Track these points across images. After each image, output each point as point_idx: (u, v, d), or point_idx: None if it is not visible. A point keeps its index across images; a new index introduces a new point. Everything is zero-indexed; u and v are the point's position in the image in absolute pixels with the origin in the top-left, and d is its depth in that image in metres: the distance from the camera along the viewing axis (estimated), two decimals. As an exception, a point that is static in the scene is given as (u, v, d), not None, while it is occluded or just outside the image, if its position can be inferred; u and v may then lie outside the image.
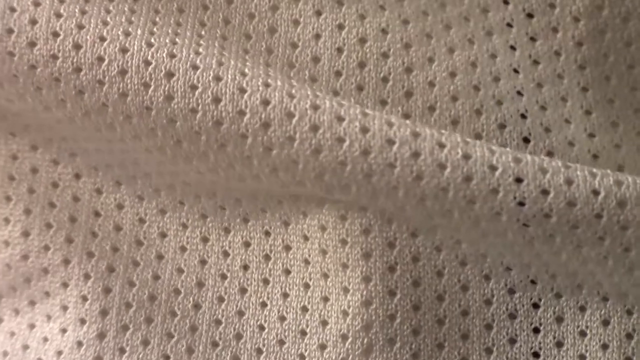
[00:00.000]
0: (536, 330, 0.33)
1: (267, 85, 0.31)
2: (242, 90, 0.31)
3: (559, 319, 0.33)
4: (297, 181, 0.32)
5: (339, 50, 0.34)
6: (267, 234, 0.35)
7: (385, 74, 0.34)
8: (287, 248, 0.34)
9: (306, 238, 0.34)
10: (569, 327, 0.33)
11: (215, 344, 0.35)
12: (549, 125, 0.33)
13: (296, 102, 0.31)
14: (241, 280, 0.35)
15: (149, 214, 0.36)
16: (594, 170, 0.30)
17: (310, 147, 0.30)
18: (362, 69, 0.34)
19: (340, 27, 0.34)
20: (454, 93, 0.34)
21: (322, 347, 0.33)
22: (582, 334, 0.33)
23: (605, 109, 0.33)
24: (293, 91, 0.31)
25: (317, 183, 0.31)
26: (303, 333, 0.34)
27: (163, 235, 0.36)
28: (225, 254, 0.35)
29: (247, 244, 0.35)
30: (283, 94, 0.31)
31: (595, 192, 0.30)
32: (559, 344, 0.33)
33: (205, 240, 0.35)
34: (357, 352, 0.32)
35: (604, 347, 0.33)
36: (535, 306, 0.33)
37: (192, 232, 0.35)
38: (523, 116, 0.33)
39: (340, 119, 0.31)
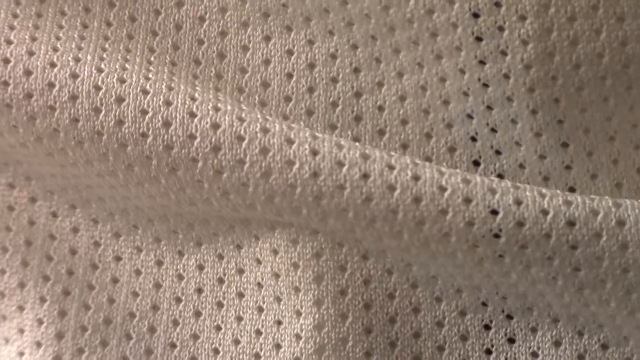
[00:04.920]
0: (488, 352, 0.33)
1: (217, 109, 0.31)
2: (192, 115, 0.31)
3: (511, 340, 0.33)
4: (248, 204, 0.32)
5: (289, 76, 0.34)
6: (221, 257, 0.35)
7: (335, 98, 0.34)
8: (241, 271, 0.34)
9: (259, 261, 0.34)
10: (520, 348, 0.33)
11: None
12: (499, 147, 0.33)
13: (246, 126, 0.31)
14: (196, 304, 0.35)
15: (104, 238, 0.36)
16: (543, 190, 0.31)
17: (260, 170, 0.31)
18: (312, 94, 0.34)
19: (290, 52, 0.34)
20: (404, 117, 0.34)
21: (276, 370, 0.33)
22: (534, 355, 0.33)
23: (555, 130, 0.33)
24: (243, 115, 0.31)
25: (268, 206, 0.31)
26: (257, 356, 0.34)
27: (118, 258, 0.36)
28: (180, 277, 0.35)
29: (200, 267, 0.35)
30: (233, 117, 0.31)
31: (544, 212, 0.30)
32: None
33: (159, 263, 0.35)
34: (310, 375, 0.33)
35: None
36: (487, 327, 0.33)
37: (147, 256, 0.35)
38: (473, 139, 0.34)
39: (290, 142, 0.31)
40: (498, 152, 0.33)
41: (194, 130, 0.31)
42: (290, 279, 0.33)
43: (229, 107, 0.31)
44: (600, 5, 0.31)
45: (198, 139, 0.31)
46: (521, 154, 0.33)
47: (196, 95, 0.32)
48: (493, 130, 0.33)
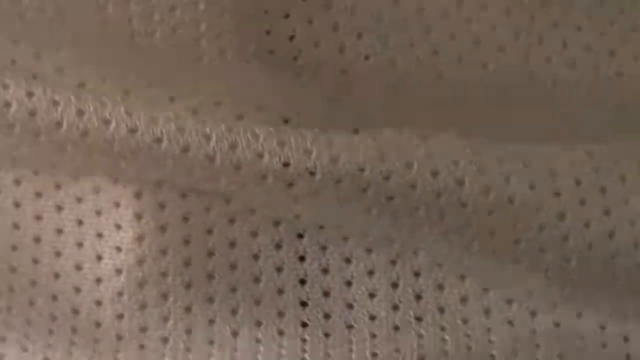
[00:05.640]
0: (302, 259, 0.35)
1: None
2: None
3: (323, 248, 0.35)
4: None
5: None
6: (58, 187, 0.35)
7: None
8: (58, 187, 0.35)
9: (76, 178, 0.34)
10: (334, 254, 0.35)
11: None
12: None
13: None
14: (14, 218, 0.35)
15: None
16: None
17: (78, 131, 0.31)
18: None
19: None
20: None
21: (98, 280, 0.34)
22: (347, 261, 0.35)
23: None
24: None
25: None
26: (79, 268, 0.35)
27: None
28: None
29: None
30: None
31: (355, 149, 0.32)
32: (325, 271, 0.35)
33: None
34: (131, 286, 0.34)
35: (370, 273, 0.35)
36: (300, 236, 0.35)
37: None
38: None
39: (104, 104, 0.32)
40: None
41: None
42: (110, 193, 0.34)
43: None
44: None
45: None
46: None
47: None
48: None
